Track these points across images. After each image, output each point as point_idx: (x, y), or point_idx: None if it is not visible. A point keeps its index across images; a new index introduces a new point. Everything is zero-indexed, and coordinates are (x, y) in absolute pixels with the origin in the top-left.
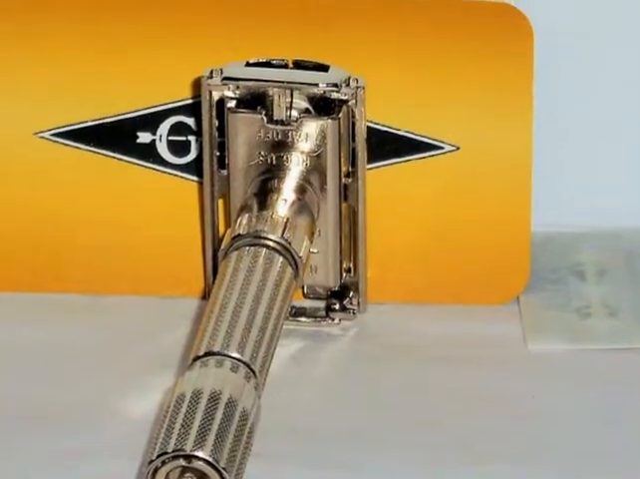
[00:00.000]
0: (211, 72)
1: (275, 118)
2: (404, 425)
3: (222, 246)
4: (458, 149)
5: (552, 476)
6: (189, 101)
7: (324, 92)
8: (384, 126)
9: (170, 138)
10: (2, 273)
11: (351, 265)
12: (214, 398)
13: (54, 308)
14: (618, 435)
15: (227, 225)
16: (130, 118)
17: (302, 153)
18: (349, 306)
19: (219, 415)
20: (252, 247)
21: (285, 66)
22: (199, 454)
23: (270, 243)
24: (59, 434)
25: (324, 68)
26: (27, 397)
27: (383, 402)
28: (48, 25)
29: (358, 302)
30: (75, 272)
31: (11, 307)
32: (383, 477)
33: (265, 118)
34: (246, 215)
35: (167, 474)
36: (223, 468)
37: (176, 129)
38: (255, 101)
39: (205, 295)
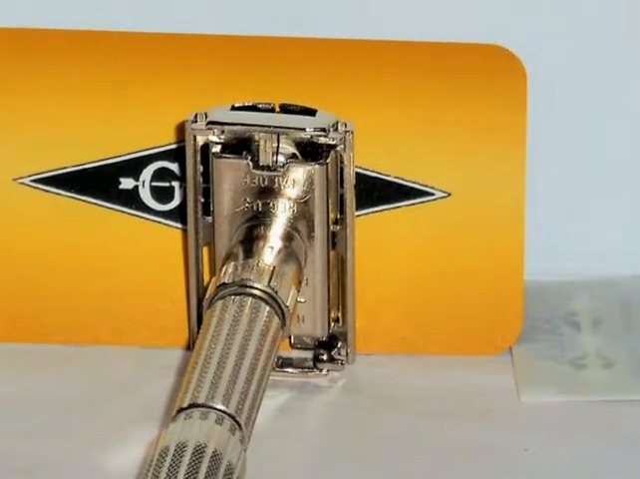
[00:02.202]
0: (196, 116)
1: (261, 163)
2: None
3: (207, 295)
4: (449, 195)
5: None
6: (173, 146)
7: (311, 137)
8: (373, 171)
9: (154, 184)
10: None
11: (339, 315)
12: (199, 451)
13: (34, 359)
14: None
15: (212, 273)
16: (112, 163)
17: (289, 199)
18: (337, 357)
19: (204, 469)
20: (238, 297)
21: (271, 110)
22: None
23: (256, 292)
24: None
25: (311, 112)
26: (5, 451)
27: (371, 456)
28: (28, 70)
29: (346, 353)
30: (56, 322)
31: None
32: None
33: (251, 163)
34: (232, 263)
35: None
36: None
37: (160, 174)
38: (241, 146)
39: (190, 346)
